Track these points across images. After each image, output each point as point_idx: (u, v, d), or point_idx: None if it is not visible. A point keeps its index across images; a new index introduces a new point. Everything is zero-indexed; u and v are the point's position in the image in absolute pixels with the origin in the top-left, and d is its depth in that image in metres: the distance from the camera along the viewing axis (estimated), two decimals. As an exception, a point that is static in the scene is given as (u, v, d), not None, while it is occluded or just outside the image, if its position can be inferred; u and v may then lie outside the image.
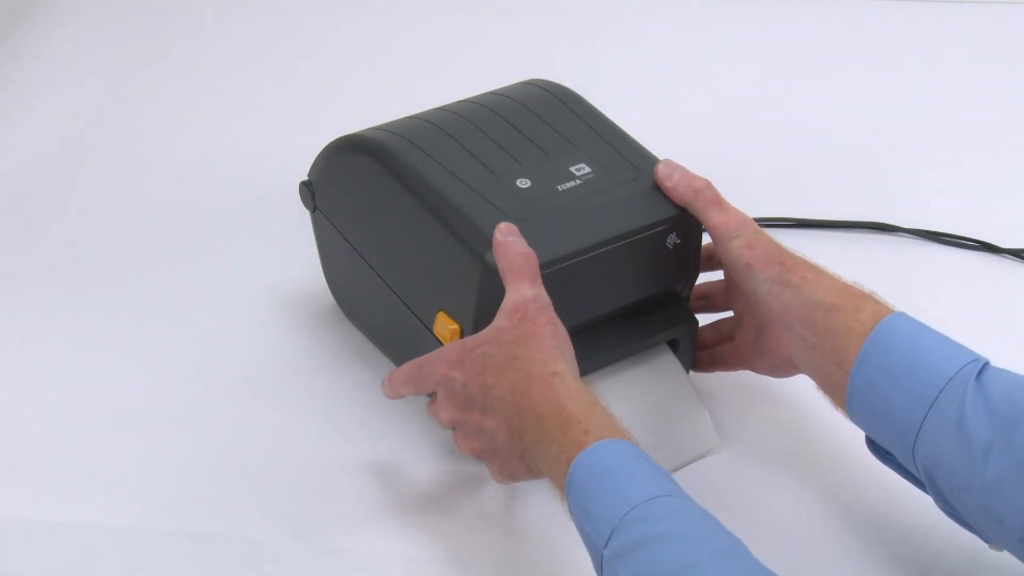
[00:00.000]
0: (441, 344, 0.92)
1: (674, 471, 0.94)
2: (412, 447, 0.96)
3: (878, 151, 1.31)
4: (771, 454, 0.96)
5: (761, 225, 1.17)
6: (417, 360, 0.88)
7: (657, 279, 0.94)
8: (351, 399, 1.00)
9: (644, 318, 0.95)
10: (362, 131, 0.98)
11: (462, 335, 0.90)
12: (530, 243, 0.86)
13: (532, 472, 0.83)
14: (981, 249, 1.16)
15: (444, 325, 0.91)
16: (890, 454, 0.84)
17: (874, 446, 0.85)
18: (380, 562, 0.87)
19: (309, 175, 1.03)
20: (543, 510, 0.91)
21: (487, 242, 0.86)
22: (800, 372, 0.89)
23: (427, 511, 0.91)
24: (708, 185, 0.91)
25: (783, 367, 0.91)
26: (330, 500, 0.92)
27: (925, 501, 0.90)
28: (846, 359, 0.82)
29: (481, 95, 1.01)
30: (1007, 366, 1.03)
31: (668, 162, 0.92)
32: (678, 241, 0.93)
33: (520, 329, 0.83)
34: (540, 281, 0.85)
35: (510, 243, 0.85)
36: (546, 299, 0.84)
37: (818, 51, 1.50)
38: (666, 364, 0.96)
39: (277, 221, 1.18)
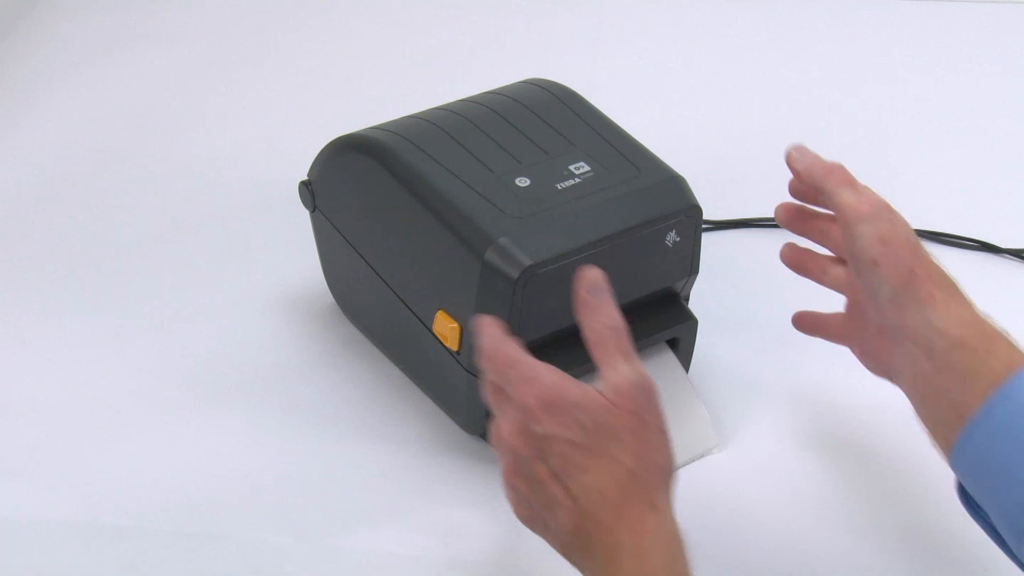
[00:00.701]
0: (440, 343, 0.92)
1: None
2: (412, 447, 0.96)
3: (878, 151, 1.31)
4: (771, 454, 0.96)
5: (761, 225, 1.19)
6: (511, 357, 0.75)
7: (657, 277, 0.94)
8: (351, 399, 1.00)
9: (644, 317, 0.95)
10: (362, 131, 0.98)
11: (461, 334, 0.90)
12: (529, 241, 0.86)
13: (571, 564, 0.74)
14: (981, 249, 1.16)
15: (444, 324, 0.91)
16: (983, 511, 0.76)
17: (966, 497, 0.78)
18: (380, 562, 0.87)
19: (309, 175, 1.03)
20: (543, 510, 0.91)
21: (487, 241, 0.86)
22: (897, 386, 0.81)
23: (427, 511, 0.91)
24: (841, 167, 0.81)
25: (881, 372, 0.84)
26: (330, 500, 0.92)
27: (926, 502, 0.91)
28: (965, 405, 0.73)
29: (481, 94, 1.02)
30: (1007, 366, 1.03)
31: (801, 147, 0.83)
32: (678, 239, 0.93)
33: (629, 424, 0.72)
34: (635, 355, 0.74)
35: (597, 309, 0.75)
36: (649, 381, 0.74)
37: (818, 51, 1.50)
38: (666, 363, 0.96)
39: (277, 221, 1.18)
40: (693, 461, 0.95)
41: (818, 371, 1.03)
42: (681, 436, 0.94)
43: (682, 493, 0.93)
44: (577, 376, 0.92)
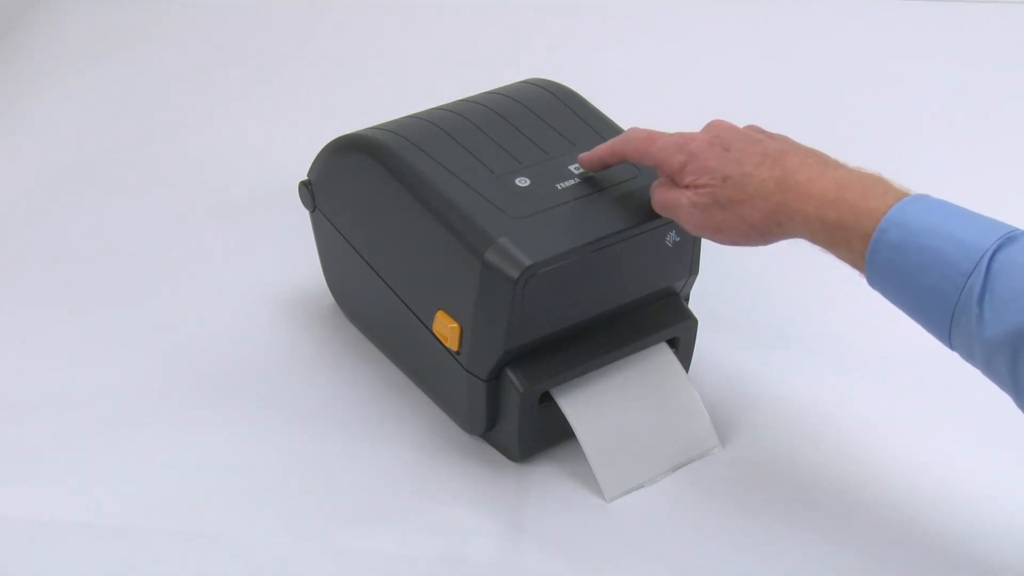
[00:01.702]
0: (440, 343, 0.92)
1: (673, 470, 0.94)
2: (412, 447, 0.96)
3: (878, 151, 1.31)
4: (770, 453, 0.96)
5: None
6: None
7: (656, 277, 0.94)
8: (350, 399, 1.00)
9: (644, 317, 0.95)
10: (362, 131, 0.98)
11: (462, 334, 0.90)
12: (528, 241, 0.86)
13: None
14: (981, 249, 1.16)
15: (444, 324, 0.91)
16: None
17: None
18: (380, 562, 0.87)
19: (309, 175, 1.03)
20: (544, 508, 0.91)
21: (487, 241, 0.86)
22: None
23: (427, 511, 0.91)
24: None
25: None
26: (330, 500, 0.92)
27: (927, 501, 0.91)
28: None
29: (481, 94, 1.02)
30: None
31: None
32: (678, 239, 0.93)
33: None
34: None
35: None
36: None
37: (818, 51, 1.50)
38: (666, 363, 0.96)
39: (277, 221, 1.18)
40: (692, 461, 0.95)
41: (818, 370, 1.03)
42: (680, 436, 0.95)
43: (681, 493, 0.93)
44: (575, 377, 0.93)
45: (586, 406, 0.92)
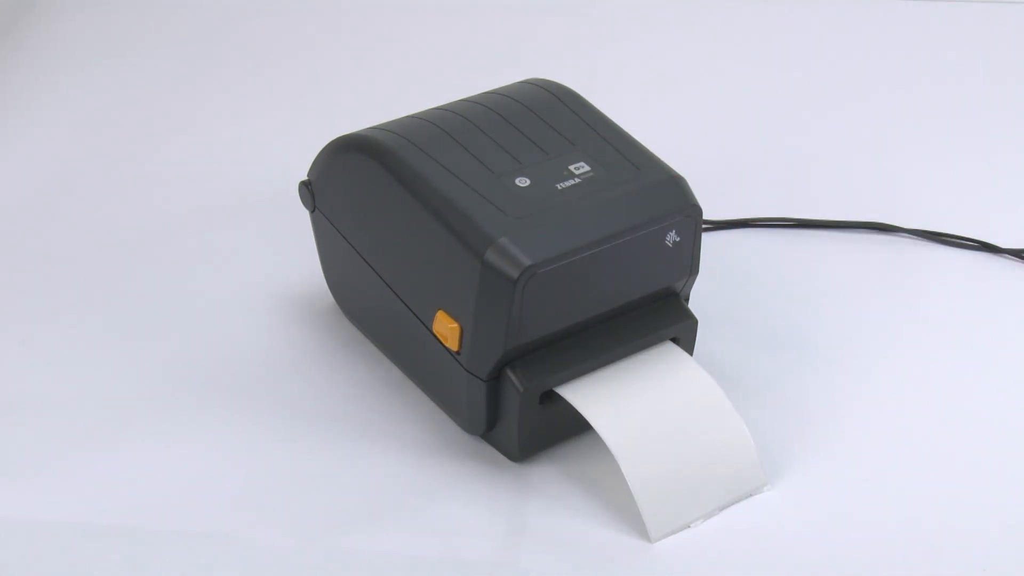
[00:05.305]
0: (440, 343, 0.92)
1: (720, 511, 0.90)
2: (412, 447, 0.96)
3: (878, 151, 1.31)
4: (768, 452, 0.95)
5: (761, 225, 1.19)
6: None
7: (657, 277, 0.94)
8: (351, 399, 1.00)
9: (644, 317, 0.95)
10: (362, 131, 0.98)
11: (462, 334, 0.90)
12: (528, 241, 0.86)
13: None
14: (981, 249, 1.16)
15: (443, 324, 0.91)
16: None
17: None
18: (380, 562, 0.87)
19: (309, 175, 1.03)
20: (544, 508, 0.91)
21: (487, 241, 0.86)
22: None
23: (427, 511, 0.91)
24: None
25: None
26: (330, 500, 0.92)
27: (933, 503, 0.90)
28: None
29: (481, 95, 1.02)
30: (1006, 367, 1.04)
31: None
32: (678, 239, 0.93)
33: None
34: None
35: None
36: None
37: (818, 51, 1.50)
38: (703, 386, 0.94)
39: (277, 221, 1.18)
40: (737, 502, 0.91)
41: (818, 371, 1.03)
42: (722, 473, 0.90)
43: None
44: (573, 377, 0.93)
45: (630, 444, 0.89)
